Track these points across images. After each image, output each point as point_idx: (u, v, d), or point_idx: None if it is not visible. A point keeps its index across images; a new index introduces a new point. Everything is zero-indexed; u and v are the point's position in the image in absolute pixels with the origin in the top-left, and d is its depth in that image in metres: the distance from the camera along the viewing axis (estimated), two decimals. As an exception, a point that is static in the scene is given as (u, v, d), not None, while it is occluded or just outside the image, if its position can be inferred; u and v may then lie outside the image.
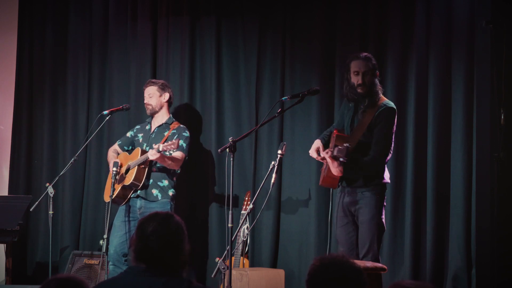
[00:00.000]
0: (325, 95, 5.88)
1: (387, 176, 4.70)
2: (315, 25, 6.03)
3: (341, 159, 4.43)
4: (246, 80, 6.26)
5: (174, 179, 5.71)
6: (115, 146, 5.95)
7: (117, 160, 5.69)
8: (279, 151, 4.49)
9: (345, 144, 4.43)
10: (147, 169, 5.55)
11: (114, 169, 5.44)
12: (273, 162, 4.49)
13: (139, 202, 5.65)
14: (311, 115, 5.98)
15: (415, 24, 5.71)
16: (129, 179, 5.54)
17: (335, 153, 4.44)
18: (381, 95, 4.70)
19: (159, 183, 5.63)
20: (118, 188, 5.59)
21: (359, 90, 4.65)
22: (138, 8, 6.57)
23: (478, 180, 5.42)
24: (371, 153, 4.60)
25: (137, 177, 5.53)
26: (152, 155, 5.34)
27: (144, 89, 5.87)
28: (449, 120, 5.62)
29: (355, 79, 4.66)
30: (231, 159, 4.49)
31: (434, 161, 5.61)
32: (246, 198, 5.94)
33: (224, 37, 6.33)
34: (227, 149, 4.50)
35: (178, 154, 5.56)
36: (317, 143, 4.81)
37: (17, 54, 6.91)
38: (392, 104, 4.69)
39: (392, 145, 4.71)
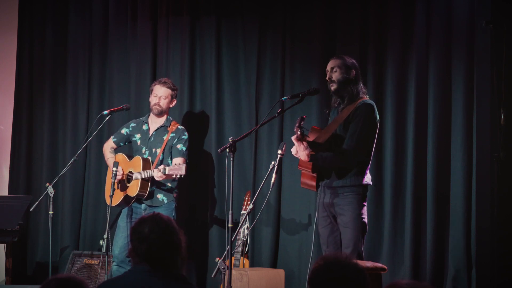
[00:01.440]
0: (325, 95, 5.87)
1: (368, 178, 4.66)
2: (315, 25, 6.03)
3: (298, 132, 4.37)
4: (246, 80, 6.26)
5: (176, 179, 5.71)
6: (111, 143, 5.93)
7: (126, 165, 5.69)
8: (279, 151, 4.49)
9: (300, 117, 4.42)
10: (150, 180, 5.57)
11: (114, 169, 5.44)
12: (273, 162, 4.49)
13: (143, 204, 5.66)
14: (311, 115, 5.98)
15: (415, 24, 5.71)
16: (134, 191, 5.56)
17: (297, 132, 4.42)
18: (363, 96, 4.70)
19: (162, 187, 5.64)
20: (121, 196, 5.62)
21: (330, 87, 4.71)
22: (138, 8, 6.57)
23: (478, 180, 5.42)
24: (344, 146, 4.58)
25: (142, 189, 5.56)
26: (158, 177, 5.37)
27: (153, 87, 5.78)
28: (449, 120, 5.62)
29: (327, 76, 4.73)
30: (231, 159, 4.49)
31: (434, 161, 5.61)
32: (246, 198, 5.94)
33: (224, 37, 6.33)
34: (227, 149, 4.49)
35: (179, 161, 5.57)
36: None
37: (17, 54, 6.91)
38: (370, 101, 4.69)
39: (374, 144, 4.67)
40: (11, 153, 6.88)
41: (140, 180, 5.53)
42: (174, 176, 5.31)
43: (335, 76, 4.68)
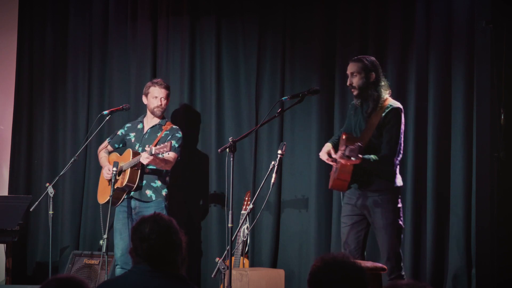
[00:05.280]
0: (325, 95, 5.88)
1: (399, 180, 4.70)
2: (315, 25, 6.02)
3: (352, 158, 4.35)
4: (246, 80, 6.26)
5: (167, 178, 5.69)
6: (105, 144, 5.93)
7: (117, 160, 5.69)
8: (279, 151, 4.50)
9: (356, 143, 4.35)
10: (139, 170, 5.55)
11: (114, 169, 5.43)
12: (273, 162, 4.50)
13: (133, 202, 5.64)
14: (311, 115, 5.98)
15: (415, 24, 5.71)
16: (123, 181, 5.54)
17: (346, 152, 4.34)
18: (387, 97, 4.71)
19: (152, 184, 5.63)
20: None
21: (352, 92, 4.71)
22: (138, 8, 6.57)
23: (478, 180, 5.42)
24: (383, 151, 4.60)
25: (131, 179, 5.53)
26: (144, 158, 5.35)
27: (150, 89, 5.75)
28: (449, 120, 5.62)
29: (348, 81, 4.72)
30: (231, 159, 4.50)
31: (434, 161, 5.61)
32: (246, 198, 5.94)
33: (224, 37, 6.33)
34: (227, 149, 4.50)
35: (170, 155, 5.55)
36: (328, 146, 4.82)
37: (17, 54, 6.91)
38: (398, 104, 4.71)
39: (402, 145, 4.72)
40: (11, 153, 6.88)
41: (129, 169, 5.52)
42: (160, 154, 5.26)
43: (355, 81, 4.67)
